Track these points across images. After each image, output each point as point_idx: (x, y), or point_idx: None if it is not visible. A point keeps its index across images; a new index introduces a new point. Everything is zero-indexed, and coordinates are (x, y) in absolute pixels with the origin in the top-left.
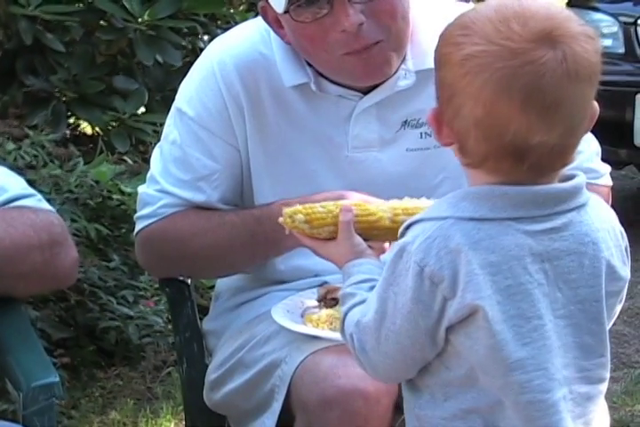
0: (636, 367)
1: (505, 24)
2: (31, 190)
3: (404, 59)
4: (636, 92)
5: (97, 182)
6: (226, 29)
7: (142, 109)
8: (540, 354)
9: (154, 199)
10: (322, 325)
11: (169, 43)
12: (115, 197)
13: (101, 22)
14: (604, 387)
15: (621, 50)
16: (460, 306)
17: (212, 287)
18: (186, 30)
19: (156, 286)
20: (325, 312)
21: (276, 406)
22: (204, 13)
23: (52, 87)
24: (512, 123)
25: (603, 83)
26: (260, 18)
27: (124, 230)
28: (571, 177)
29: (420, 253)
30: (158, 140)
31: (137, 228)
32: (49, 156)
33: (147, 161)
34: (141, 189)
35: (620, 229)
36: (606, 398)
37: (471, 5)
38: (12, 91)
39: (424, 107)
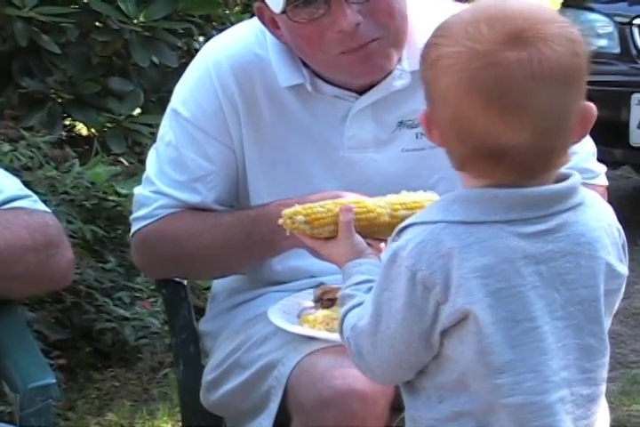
0: (632, 367)
1: (475, 26)
2: (27, 191)
3: (400, 59)
4: (632, 92)
5: (93, 184)
6: (221, 30)
7: (138, 111)
8: (531, 356)
9: (149, 200)
10: (318, 325)
11: (164, 44)
12: (110, 198)
13: (97, 24)
14: (604, 388)
15: (617, 50)
16: (452, 310)
17: (209, 288)
18: (181, 31)
19: (153, 287)
20: (322, 313)
21: (273, 407)
22: (200, 14)
23: (47, 89)
24: (478, 124)
25: (598, 83)
26: (255, 19)
27: (119, 232)
28: (566, 177)
29: (412, 258)
30: (154, 141)
31: (133, 229)
32: (45, 157)
33: (142, 162)
34: (137, 190)
35: (616, 225)
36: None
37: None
38: (8, 92)
39: (419, 107)
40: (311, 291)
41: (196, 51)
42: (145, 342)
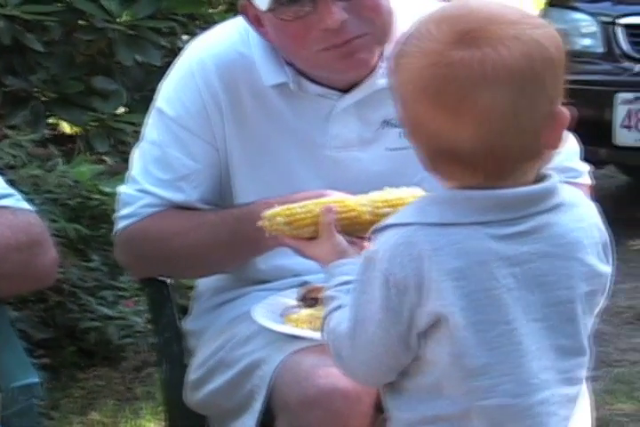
0: (615, 366)
1: (429, 25)
2: (10, 190)
3: (384, 57)
4: (616, 92)
5: (76, 182)
6: (205, 29)
7: (122, 109)
8: (509, 359)
9: (133, 199)
10: (302, 324)
11: (148, 43)
12: (94, 197)
13: (81, 22)
14: (583, 387)
15: (601, 49)
16: (426, 313)
17: (193, 287)
18: (165, 30)
19: (137, 286)
20: (306, 312)
21: (257, 406)
22: (184, 13)
23: (31, 87)
24: (429, 125)
25: (582, 82)
26: (239, 18)
27: (103, 230)
28: (544, 178)
29: (385, 262)
30: (138, 140)
31: (116, 228)
32: (28, 156)
33: (126, 161)
34: (121, 188)
35: (598, 225)
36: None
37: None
38: None
39: None
40: (295, 290)
41: (180, 50)
42: (129, 342)
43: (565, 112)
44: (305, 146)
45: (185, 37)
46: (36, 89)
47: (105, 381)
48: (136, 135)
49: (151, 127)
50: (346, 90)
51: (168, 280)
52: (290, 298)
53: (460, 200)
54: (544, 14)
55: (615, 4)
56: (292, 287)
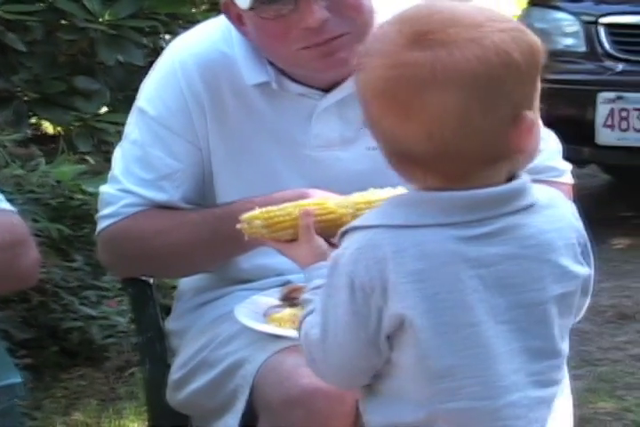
0: (598, 365)
1: (394, 26)
2: None
3: None
4: (598, 91)
5: (59, 182)
6: (188, 29)
7: (104, 109)
8: (476, 361)
9: (115, 199)
10: (285, 324)
11: (130, 42)
12: (77, 196)
13: (62, 22)
14: (558, 389)
15: (583, 49)
16: (390, 315)
17: (176, 287)
18: (147, 30)
19: (119, 286)
20: (288, 311)
21: (240, 406)
22: (166, 13)
23: (13, 87)
24: (383, 127)
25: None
26: (221, 17)
27: (86, 230)
28: (514, 178)
29: (350, 264)
30: (120, 139)
31: (99, 227)
32: (10, 156)
33: (109, 161)
34: (103, 188)
35: (575, 225)
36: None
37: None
38: None
39: None
40: (278, 289)
41: (163, 49)
42: (112, 341)
43: (532, 117)
44: (286, 145)
45: (167, 37)
46: (18, 89)
47: (88, 381)
48: (119, 135)
49: (133, 127)
50: (327, 89)
51: (151, 280)
52: (273, 297)
53: (424, 201)
54: (526, 14)
55: (597, 3)
56: (274, 287)
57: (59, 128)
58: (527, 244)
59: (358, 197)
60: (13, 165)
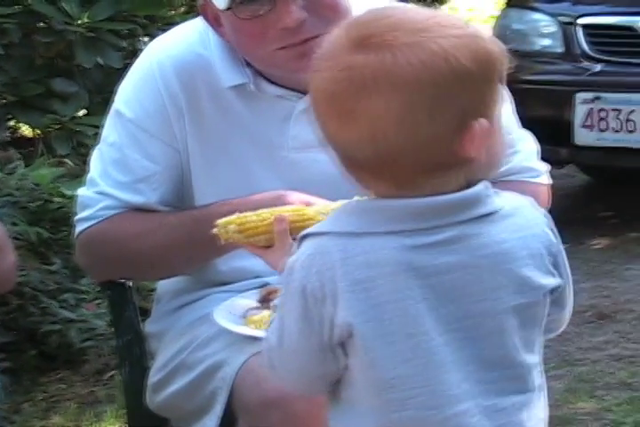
0: (577, 365)
1: (343, 30)
2: None
3: None
4: (575, 92)
5: (37, 185)
6: (166, 31)
7: (82, 112)
8: (424, 371)
9: (93, 201)
10: (263, 326)
11: (108, 45)
12: (55, 199)
13: (40, 24)
14: (520, 398)
15: (560, 49)
16: (339, 323)
17: (154, 290)
18: (125, 32)
19: (98, 288)
20: (267, 313)
21: (219, 408)
22: (144, 15)
23: None
24: (327, 130)
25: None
26: (198, 19)
27: (64, 233)
28: (471, 186)
29: (303, 270)
30: (99, 142)
31: (76, 230)
32: None
33: (87, 163)
34: (80, 191)
35: (542, 234)
36: (548, 396)
37: (410, 6)
38: None
39: None
40: (256, 291)
41: (141, 51)
42: (91, 344)
43: (485, 124)
44: (263, 147)
45: (145, 39)
46: None
47: (67, 384)
48: (97, 138)
49: (110, 129)
50: (305, 91)
51: (129, 283)
52: (251, 299)
53: (374, 209)
54: (504, 15)
55: (574, 4)
56: (252, 289)
57: (37, 131)
58: (481, 253)
59: (337, 205)
60: None
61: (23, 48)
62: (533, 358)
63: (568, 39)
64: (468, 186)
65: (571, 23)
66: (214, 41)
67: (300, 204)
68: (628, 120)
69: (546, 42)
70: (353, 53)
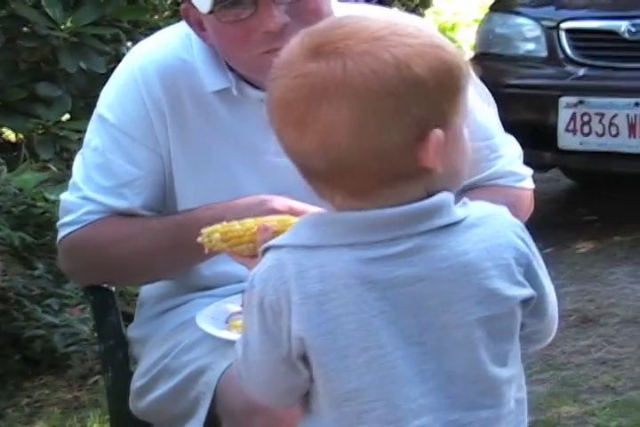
0: (561, 369)
1: (300, 38)
2: None
3: None
4: (559, 96)
5: (21, 190)
6: (149, 36)
7: (66, 116)
8: (380, 384)
9: (76, 206)
10: None
11: (92, 50)
12: (39, 204)
13: (24, 29)
14: (491, 413)
15: (544, 53)
16: (293, 337)
17: (138, 294)
18: (109, 37)
19: (82, 293)
20: None
21: (202, 413)
22: (128, 20)
23: None
24: (283, 137)
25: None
26: (181, 23)
27: (48, 238)
28: (431, 197)
29: (261, 283)
30: (82, 147)
31: (60, 235)
32: None
33: (71, 168)
34: (64, 196)
35: (511, 244)
36: (533, 400)
37: (395, 11)
38: None
39: None
40: (240, 296)
41: (125, 56)
42: (74, 349)
43: (441, 135)
44: (246, 151)
45: (129, 44)
46: None
47: (51, 389)
48: (80, 142)
49: (93, 134)
50: None
51: (112, 288)
52: (234, 304)
53: (327, 222)
54: (487, 19)
55: (558, 8)
56: (236, 293)
57: (20, 136)
58: (441, 265)
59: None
60: None
61: (7, 53)
62: (506, 372)
63: (552, 43)
64: (430, 197)
65: (554, 27)
66: (197, 45)
67: (283, 208)
68: (611, 124)
69: (529, 46)
70: (306, 62)
